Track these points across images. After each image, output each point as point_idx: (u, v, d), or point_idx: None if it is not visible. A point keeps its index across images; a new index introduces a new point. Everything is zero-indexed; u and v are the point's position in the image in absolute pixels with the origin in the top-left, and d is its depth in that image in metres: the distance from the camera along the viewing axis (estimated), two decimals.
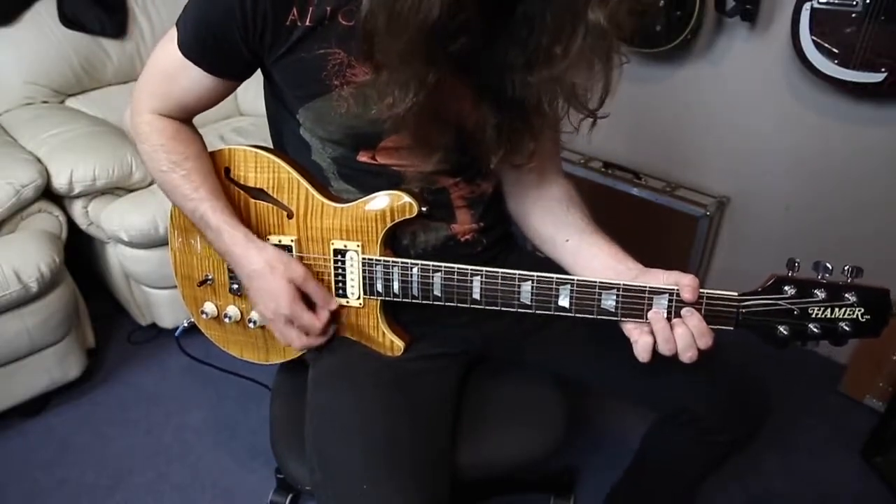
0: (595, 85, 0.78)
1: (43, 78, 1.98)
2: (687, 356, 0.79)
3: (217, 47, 0.83)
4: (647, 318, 0.81)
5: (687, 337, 0.79)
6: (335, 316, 0.95)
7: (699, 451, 1.08)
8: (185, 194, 0.90)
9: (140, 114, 0.92)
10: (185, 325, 1.13)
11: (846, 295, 0.75)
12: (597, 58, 0.75)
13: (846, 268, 0.75)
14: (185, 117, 0.94)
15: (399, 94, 0.76)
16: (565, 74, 0.76)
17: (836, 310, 0.76)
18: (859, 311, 0.75)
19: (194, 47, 0.84)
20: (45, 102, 2.01)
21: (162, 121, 0.92)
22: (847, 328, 0.76)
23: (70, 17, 2.01)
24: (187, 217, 0.94)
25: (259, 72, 0.92)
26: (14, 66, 1.94)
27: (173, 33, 0.85)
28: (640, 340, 0.81)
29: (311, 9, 0.78)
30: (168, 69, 0.87)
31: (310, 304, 0.92)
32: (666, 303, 0.80)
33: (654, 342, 0.81)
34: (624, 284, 0.81)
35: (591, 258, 0.92)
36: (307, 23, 0.78)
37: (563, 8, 0.72)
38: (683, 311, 0.80)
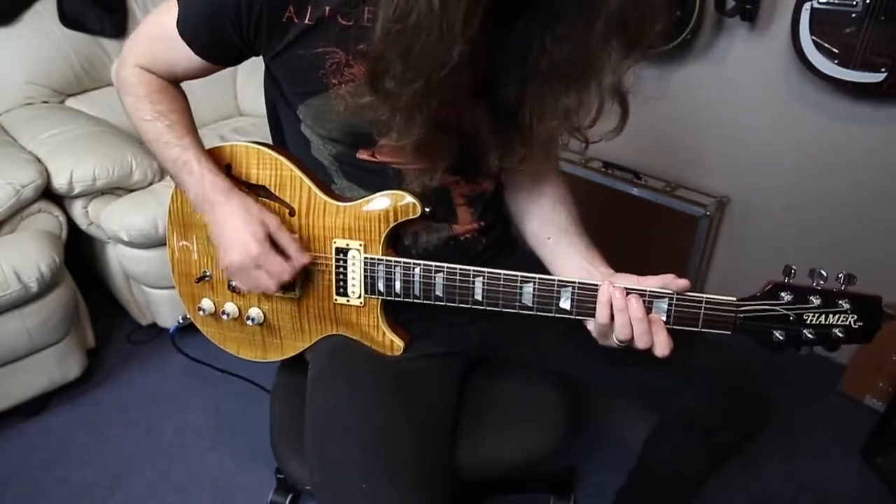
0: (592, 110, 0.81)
1: (43, 78, 1.99)
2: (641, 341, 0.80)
3: (211, 36, 0.84)
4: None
5: (644, 324, 0.79)
6: (303, 271, 0.92)
7: (700, 451, 1.08)
8: (169, 141, 0.90)
9: (128, 66, 0.93)
10: (181, 321, 1.12)
11: (840, 302, 0.76)
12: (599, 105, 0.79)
13: (840, 275, 0.76)
14: (172, 80, 0.95)
15: (406, 128, 0.76)
16: (566, 107, 0.79)
17: (831, 316, 0.77)
18: (852, 317, 0.77)
19: (189, 30, 0.85)
20: (45, 102, 2.01)
21: (149, 75, 0.93)
22: (840, 334, 0.78)
23: (70, 17, 2.01)
24: (165, 163, 0.93)
25: (259, 70, 0.92)
26: (14, 66, 1.94)
27: (173, 4, 0.86)
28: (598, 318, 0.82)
29: (309, 8, 0.78)
30: (162, 38, 0.88)
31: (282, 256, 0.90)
32: (665, 306, 0.80)
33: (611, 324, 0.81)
34: (627, 288, 0.81)
35: (567, 259, 0.93)
36: (306, 21, 0.78)
37: (570, 66, 0.75)
38: (654, 326, 0.80)
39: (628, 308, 0.79)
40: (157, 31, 0.89)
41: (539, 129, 0.84)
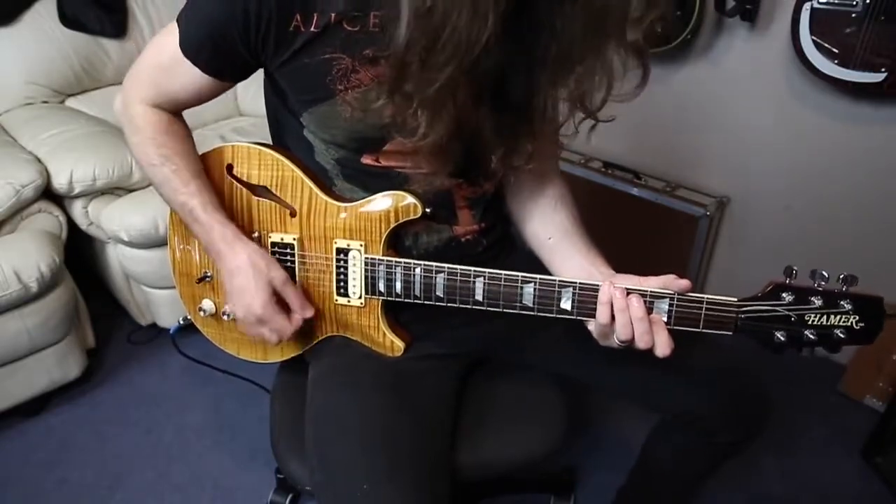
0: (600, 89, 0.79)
1: (43, 78, 1.99)
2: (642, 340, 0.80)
3: (217, 49, 0.83)
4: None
5: (645, 324, 0.79)
6: (308, 322, 0.94)
7: (700, 451, 1.08)
8: (176, 188, 0.90)
9: (132, 104, 0.92)
10: (181, 322, 1.12)
11: (842, 303, 0.76)
12: (612, 75, 0.77)
13: (841, 276, 0.76)
14: (176, 110, 0.94)
15: (432, 123, 0.76)
16: (580, 87, 0.78)
17: (832, 317, 0.77)
18: (854, 318, 0.77)
19: (193, 46, 0.84)
20: (45, 102, 2.01)
21: (155, 113, 0.92)
22: (842, 335, 0.77)
23: (70, 17, 2.01)
24: (174, 209, 0.94)
25: (259, 71, 0.92)
26: (14, 66, 1.94)
27: (173, 27, 0.85)
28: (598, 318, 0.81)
29: (315, 15, 0.77)
30: (164, 63, 0.87)
31: (286, 308, 0.91)
32: (666, 306, 0.80)
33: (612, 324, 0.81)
34: (627, 288, 0.81)
35: (568, 259, 0.93)
36: (312, 29, 0.78)
37: (585, 36, 0.73)
38: (655, 326, 0.80)
39: (629, 308, 0.79)
40: (158, 57, 0.88)
41: (553, 118, 0.83)
